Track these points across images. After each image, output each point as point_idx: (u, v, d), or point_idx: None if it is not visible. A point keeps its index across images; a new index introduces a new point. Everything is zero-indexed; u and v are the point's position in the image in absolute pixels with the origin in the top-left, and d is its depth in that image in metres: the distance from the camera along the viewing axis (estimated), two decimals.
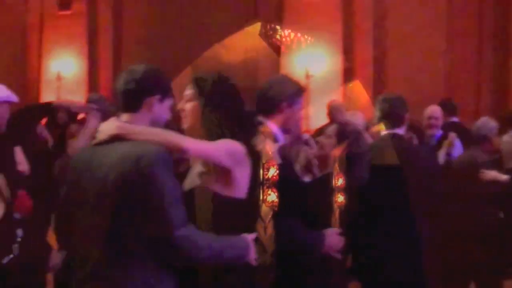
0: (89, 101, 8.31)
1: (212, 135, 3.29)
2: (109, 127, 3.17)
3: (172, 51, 16.67)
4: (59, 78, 18.10)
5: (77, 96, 16.41)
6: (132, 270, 2.96)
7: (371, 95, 15.21)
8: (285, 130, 3.97)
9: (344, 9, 15.84)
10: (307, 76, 15.73)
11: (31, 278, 4.99)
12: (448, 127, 7.63)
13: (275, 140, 3.79)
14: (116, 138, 3.11)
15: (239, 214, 3.29)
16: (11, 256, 3.07)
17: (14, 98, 4.92)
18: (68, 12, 18.24)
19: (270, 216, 3.35)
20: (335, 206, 3.71)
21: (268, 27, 14.95)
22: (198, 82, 3.44)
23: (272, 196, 3.34)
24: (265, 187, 3.33)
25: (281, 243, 3.51)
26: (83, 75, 18.20)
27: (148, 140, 3.08)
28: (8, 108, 4.82)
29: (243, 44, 16.35)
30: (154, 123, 3.21)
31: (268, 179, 3.31)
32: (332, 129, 4.44)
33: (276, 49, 16.15)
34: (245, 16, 16.49)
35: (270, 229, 3.29)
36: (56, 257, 4.10)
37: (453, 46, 15.51)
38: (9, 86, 6.02)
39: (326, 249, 3.92)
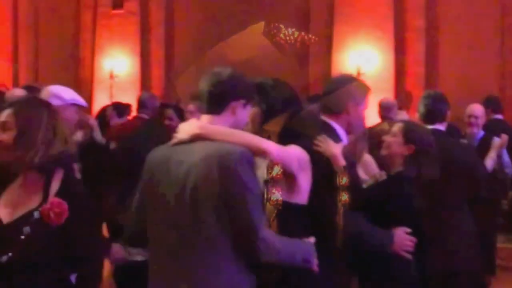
0: (140, 99, 8.49)
1: (274, 141, 3.40)
2: (190, 127, 3.25)
3: None
4: (111, 76, 18.32)
5: (129, 94, 16.57)
6: (216, 267, 3.06)
7: (422, 92, 15.11)
8: (348, 130, 4.04)
9: (395, 7, 15.81)
10: (358, 74, 15.68)
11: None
12: (490, 125, 7.50)
13: (338, 140, 3.86)
14: (197, 138, 3.18)
15: (300, 219, 3.39)
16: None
17: (82, 102, 4.98)
18: (121, 11, 18.47)
19: (274, 215, 3.36)
20: (340, 204, 3.79)
21: (272, 26, 14.96)
22: (257, 88, 3.51)
23: (276, 195, 3.34)
24: (269, 186, 3.34)
25: (352, 243, 3.63)
26: (135, 73, 18.38)
27: (231, 141, 3.14)
28: (75, 112, 4.89)
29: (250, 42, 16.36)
30: (235, 126, 3.27)
31: (272, 178, 3.33)
32: (399, 127, 4.40)
33: (280, 48, 16.23)
34: (296, 16, 16.59)
35: (274, 228, 3.31)
36: (120, 251, 4.20)
37: (506, 42, 15.31)
38: (63, 84, 6.20)
39: (395, 248, 3.96)
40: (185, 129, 3.28)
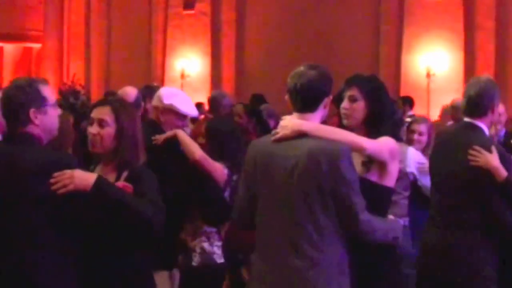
0: (211, 98, 8.97)
1: (372, 133, 3.79)
2: (292, 124, 3.61)
3: (294, 52, 17.09)
4: (183, 76, 18.94)
5: (200, 94, 17.12)
6: (322, 246, 3.54)
7: None
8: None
9: (465, 8, 16.14)
10: (428, 75, 16.15)
11: None
12: None
13: (489, 141, 4.47)
14: (300, 135, 3.57)
15: (389, 200, 3.89)
16: None
17: (181, 110, 5.32)
18: (192, 12, 19.01)
19: None
20: None
21: None
22: (360, 83, 3.91)
23: None
24: None
25: None
26: (206, 73, 18.89)
27: (333, 139, 3.56)
28: (173, 116, 5.32)
29: None
30: (322, 120, 3.69)
31: None
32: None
33: None
34: (367, 18, 17.00)
35: None
36: None
37: None
38: (136, 84, 6.82)
39: None
40: (288, 125, 3.61)
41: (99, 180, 3.42)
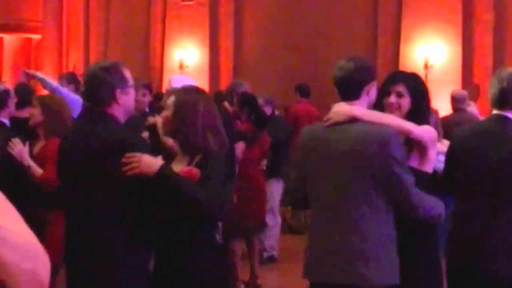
0: (228, 86, 9.25)
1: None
2: (344, 109, 4.06)
3: (292, 43, 17.52)
4: (181, 66, 19.12)
5: (198, 84, 17.28)
6: (376, 225, 3.98)
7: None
8: None
9: (464, 0, 16.39)
10: (426, 66, 16.38)
11: None
12: None
13: None
14: (351, 120, 4.02)
15: (424, 183, 4.15)
16: None
17: None
18: (190, 2, 19.22)
19: None
20: None
21: None
22: (406, 80, 4.33)
23: None
24: None
25: None
26: (204, 64, 19.09)
27: (383, 124, 4.02)
28: None
29: None
30: (369, 105, 4.14)
31: None
32: None
33: None
34: (365, 8, 17.27)
35: None
36: None
37: None
38: (134, 73, 7.08)
39: None
40: (340, 111, 4.07)
41: (162, 168, 3.76)
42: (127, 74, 4.09)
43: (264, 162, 8.39)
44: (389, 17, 16.87)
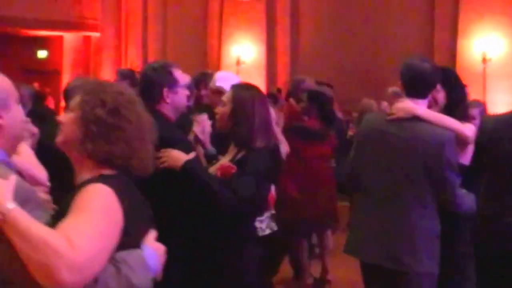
0: (291, 81, 9.40)
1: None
2: (408, 107, 4.32)
3: (349, 39, 17.68)
4: (238, 63, 19.44)
5: (255, 81, 17.57)
6: (424, 217, 4.30)
7: None
8: None
9: None
10: (484, 60, 16.49)
11: None
12: None
13: None
14: (413, 118, 4.30)
15: (463, 177, 4.40)
16: None
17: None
18: None
19: None
20: None
21: None
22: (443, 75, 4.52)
23: None
24: None
25: None
26: (261, 60, 19.33)
27: (443, 125, 4.30)
28: None
29: None
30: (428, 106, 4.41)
31: None
32: None
33: None
34: (422, 3, 17.35)
35: None
36: None
37: None
38: (192, 70, 7.39)
39: None
40: (403, 108, 4.35)
41: (188, 162, 3.99)
42: (178, 74, 4.30)
43: (332, 161, 8.29)
44: (446, 11, 16.88)
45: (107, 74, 20.15)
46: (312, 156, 7.75)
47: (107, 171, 2.66)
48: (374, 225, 4.44)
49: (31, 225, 2.30)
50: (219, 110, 4.37)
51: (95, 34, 23.69)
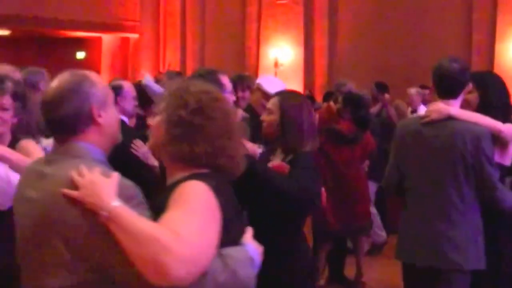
0: (336, 87, 9.61)
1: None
2: (441, 109, 4.47)
3: (386, 41, 17.69)
4: (276, 65, 19.52)
5: (293, 83, 17.84)
6: (465, 214, 4.45)
7: None
8: None
9: None
10: None
11: None
12: None
13: None
14: (447, 118, 4.47)
15: (504, 177, 4.58)
16: None
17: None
18: (285, 1, 19.57)
19: None
20: None
21: None
22: (474, 78, 4.66)
23: None
24: None
25: None
26: (299, 62, 19.37)
27: (474, 122, 4.45)
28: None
29: None
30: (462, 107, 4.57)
31: None
32: None
33: None
34: (459, 6, 17.26)
35: None
36: None
37: None
38: (230, 72, 7.50)
39: None
40: (437, 110, 4.51)
41: (252, 163, 3.86)
42: (224, 80, 4.47)
43: (367, 163, 8.39)
44: (484, 13, 16.79)
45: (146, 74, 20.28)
46: (342, 160, 7.81)
47: (199, 170, 2.70)
48: (419, 227, 4.62)
49: (136, 221, 2.37)
50: (266, 118, 4.46)
51: (133, 36, 23.94)
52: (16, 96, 4.07)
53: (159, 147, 2.80)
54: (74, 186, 2.49)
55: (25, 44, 25.14)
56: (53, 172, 2.62)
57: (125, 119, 6.32)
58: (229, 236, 2.59)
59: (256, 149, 4.60)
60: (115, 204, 2.40)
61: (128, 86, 6.55)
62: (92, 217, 2.42)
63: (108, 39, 24.70)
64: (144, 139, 5.38)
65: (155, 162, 5.49)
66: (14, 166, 3.80)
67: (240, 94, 6.86)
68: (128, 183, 2.57)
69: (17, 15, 20.94)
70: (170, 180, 2.78)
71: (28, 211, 2.64)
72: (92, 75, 2.75)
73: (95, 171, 2.52)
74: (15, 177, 3.73)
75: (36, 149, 4.10)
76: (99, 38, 24.81)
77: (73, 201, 2.47)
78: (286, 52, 19.69)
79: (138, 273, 2.33)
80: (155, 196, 2.75)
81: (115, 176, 2.53)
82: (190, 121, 2.71)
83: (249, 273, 2.61)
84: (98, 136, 2.71)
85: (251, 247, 2.68)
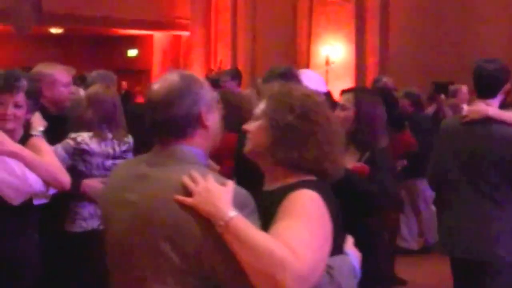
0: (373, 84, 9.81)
1: None
2: (480, 109, 4.66)
3: (439, 39, 17.66)
4: (327, 62, 19.62)
5: (344, 80, 17.99)
6: (504, 208, 4.66)
7: None
8: None
9: None
10: None
11: None
12: None
13: None
14: (486, 119, 4.65)
15: None
16: None
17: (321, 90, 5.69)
18: None
19: None
20: None
21: None
22: None
23: None
24: None
25: None
26: (350, 60, 19.45)
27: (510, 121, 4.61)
28: None
29: None
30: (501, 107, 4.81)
31: None
32: None
33: None
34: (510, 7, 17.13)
35: None
36: None
37: None
38: None
39: None
40: (476, 110, 4.70)
41: None
42: (304, 77, 4.63)
43: (402, 162, 8.10)
44: None
45: (197, 73, 20.47)
46: None
47: (306, 177, 2.70)
48: (462, 223, 4.81)
49: (253, 233, 2.34)
50: (341, 114, 4.45)
51: (185, 33, 24.22)
52: (30, 94, 4.13)
53: (259, 152, 2.78)
54: (186, 192, 2.44)
55: (77, 43, 25.69)
56: (158, 175, 2.56)
57: None
58: (335, 245, 2.61)
59: None
60: (232, 214, 2.36)
61: None
62: (206, 225, 2.39)
63: (159, 37, 25.07)
64: None
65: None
66: (27, 164, 3.85)
67: None
68: (242, 191, 2.53)
69: (70, 14, 21.38)
70: (271, 185, 2.78)
71: (128, 215, 2.58)
72: (197, 76, 2.73)
73: (209, 178, 2.48)
74: (31, 176, 3.83)
75: (46, 147, 4.18)
76: (151, 36, 25.20)
77: (186, 208, 2.42)
78: (337, 50, 19.76)
79: (249, 285, 2.34)
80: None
81: (230, 184, 2.49)
82: (297, 126, 2.71)
83: (352, 285, 2.65)
84: (203, 140, 2.66)
85: (353, 255, 2.71)
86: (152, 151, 2.70)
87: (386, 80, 9.86)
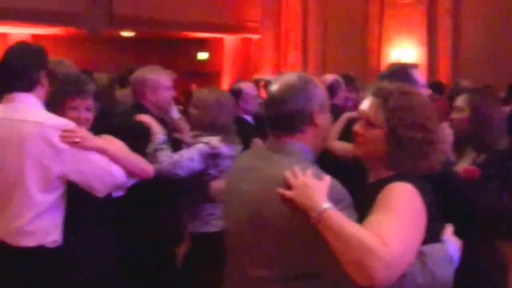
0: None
1: None
2: None
3: (509, 43, 17.60)
4: None
5: None
6: None
7: None
8: None
9: None
10: None
11: None
12: None
13: None
14: None
15: None
16: None
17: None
18: (407, 1, 19.71)
19: None
20: None
21: None
22: None
23: None
24: None
25: None
26: (422, 63, 19.26)
27: None
28: None
29: None
30: None
31: None
32: None
33: None
34: None
35: None
36: None
37: None
38: (352, 72, 7.63)
39: None
40: None
41: None
42: (417, 76, 4.50)
43: None
44: None
45: (267, 75, 20.78)
46: None
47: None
48: None
49: (345, 224, 2.49)
50: (456, 116, 4.48)
51: (255, 36, 24.54)
52: (96, 97, 4.30)
53: (374, 157, 2.91)
54: (287, 185, 2.66)
55: (148, 45, 26.15)
56: (265, 168, 2.82)
57: (249, 118, 6.74)
58: (432, 233, 2.72)
59: None
60: (326, 206, 2.54)
61: (246, 87, 6.96)
62: (302, 217, 2.59)
63: (230, 40, 25.41)
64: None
65: None
66: (112, 157, 3.96)
67: (348, 94, 7.27)
68: (339, 186, 2.71)
69: (141, 18, 21.82)
70: (373, 179, 2.94)
71: (241, 203, 2.84)
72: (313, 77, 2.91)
73: (308, 173, 2.67)
74: (116, 170, 3.95)
75: (118, 142, 4.21)
76: (221, 39, 25.57)
77: (285, 200, 2.64)
78: (408, 52, 19.81)
79: (342, 273, 2.49)
80: (356, 193, 2.85)
81: (327, 178, 2.67)
82: (416, 138, 2.82)
83: (447, 272, 2.71)
84: (312, 137, 2.85)
85: (451, 244, 2.78)
86: (265, 143, 2.96)
87: (466, 83, 9.87)
